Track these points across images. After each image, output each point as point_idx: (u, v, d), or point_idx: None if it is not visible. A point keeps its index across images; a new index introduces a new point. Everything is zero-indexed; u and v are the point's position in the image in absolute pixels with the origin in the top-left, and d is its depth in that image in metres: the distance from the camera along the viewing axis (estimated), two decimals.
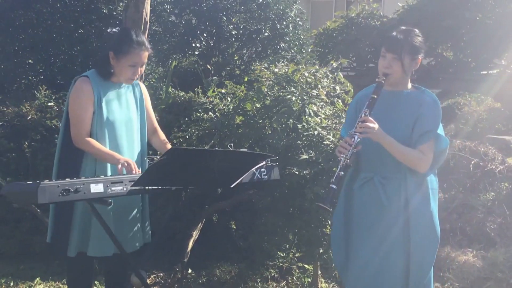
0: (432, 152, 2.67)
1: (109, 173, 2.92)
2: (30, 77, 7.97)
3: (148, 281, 3.71)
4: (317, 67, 4.13)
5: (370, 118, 2.58)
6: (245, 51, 10.02)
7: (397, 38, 2.67)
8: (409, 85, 2.79)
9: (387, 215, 2.67)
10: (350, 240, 2.82)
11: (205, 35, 9.35)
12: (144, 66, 3.04)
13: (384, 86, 2.68)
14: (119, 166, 2.79)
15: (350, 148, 2.56)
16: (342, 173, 2.56)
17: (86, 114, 2.90)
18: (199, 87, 5.96)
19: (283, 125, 3.69)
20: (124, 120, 3.02)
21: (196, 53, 9.41)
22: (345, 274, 2.90)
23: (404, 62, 2.66)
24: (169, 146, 3.28)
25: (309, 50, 9.65)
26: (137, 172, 2.82)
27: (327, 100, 3.92)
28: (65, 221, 2.93)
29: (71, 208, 2.90)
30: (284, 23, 9.44)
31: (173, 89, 6.51)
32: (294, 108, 3.68)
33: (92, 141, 2.89)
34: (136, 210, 3.11)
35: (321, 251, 3.72)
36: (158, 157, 3.06)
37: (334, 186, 2.54)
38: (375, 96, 2.64)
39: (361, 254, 2.73)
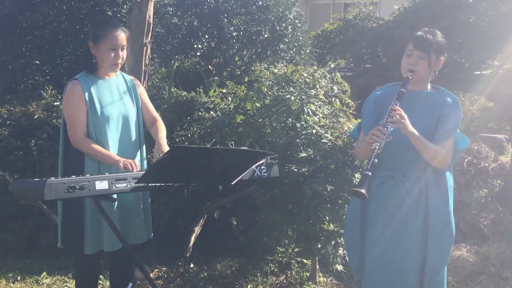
0: (452, 149, 2.68)
1: (113, 170, 2.91)
2: (37, 77, 7.98)
3: (151, 275, 3.72)
4: (315, 67, 4.12)
5: (400, 109, 2.58)
6: (245, 52, 10.03)
7: (426, 37, 2.69)
8: (429, 86, 2.80)
9: (407, 212, 2.65)
10: (366, 236, 2.80)
11: (206, 36, 9.35)
12: (125, 51, 3.01)
13: (409, 82, 2.69)
14: (121, 166, 2.79)
15: (384, 137, 2.55)
16: (377, 160, 2.54)
17: (80, 115, 2.89)
18: (201, 87, 5.96)
19: (282, 124, 3.69)
20: (121, 114, 3.00)
21: (198, 54, 9.41)
22: (360, 272, 2.87)
23: (431, 60, 2.68)
24: (160, 133, 3.12)
25: (308, 51, 9.64)
26: (137, 170, 2.82)
27: (325, 100, 3.92)
28: (77, 221, 2.91)
29: (82, 208, 2.88)
30: (284, 25, 9.43)
31: (175, 89, 6.52)
32: (293, 108, 3.67)
33: (90, 142, 2.88)
34: (141, 204, 3.11)
35: (319, 246, 3.72)
36: (161, 155, 3.06)
37: (369, 173, 2.52)
38: (404, 90, 2.65)
39: (379, 250, 2.70)
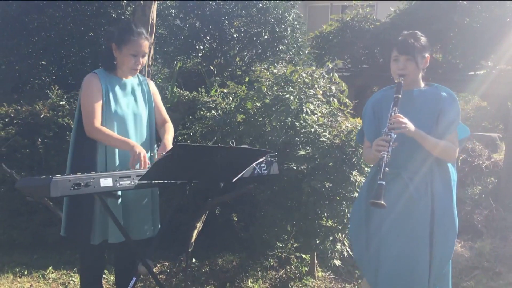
0: (457, 141, 2.71)
1: (117, 163, 2.91)
2: (43, 78, 7.97)
3: (154, 270, 3.72)
4: (314, 68, 4.12)
5: (400, 114, 2.58)
6: (246, 53, 10.02)
7: (408, 41, 2.70)
8: (422, 83, 2.81)
9: (415, 208, 2.65)
10: (371, 233, 2.79)
11: (208, 38, 9.35)
12: (145, 57, 3.03)
13: (402, 86, 2.70)
14: (134, 157, 2.76)
15: (389, 145, 2.55)
16: (387, 169, 2.54)
17: (96, 104, 2.88)
18: (203, 87, 5.96)
19: (282, 123, 3.68)
20: (132, 114, 3.00)
21: (199, 55, 9.42)
22: (363, 264, 2.88)
23: (417, 61, 2.69)
24: (167, 135, 3.16)
25: (306, 52, 9.63)
26: (146, 166, 2.81)
27: (323, 99, 3.92)
28: (86, 211, 2.90)
29: (92, 200, 2.87)
30: (283, 26, 9.42)
31: (178, 89, 6.50)
32: (292, 107, 3.67)
33: (104, 128, 2.87)
34: (147, 200, 3.11)
35: (317, 241, 3.72)
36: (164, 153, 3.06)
37: (383, 182, 2.51)
38: (399, 96, 2.65)
39: (390, 247, 2.69)
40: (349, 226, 3.21)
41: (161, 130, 3.22)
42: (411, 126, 2.58)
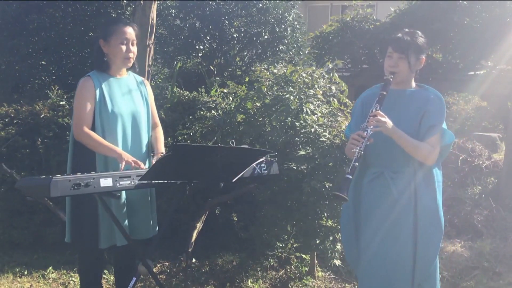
0: (439, 145, 2.66)
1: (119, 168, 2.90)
2: (43, 78, 7.98)
3: (154, 270, 3.72)
4: (314, 68, 4.11)
5: (381, 112, 2.57)
6: (246, 53, 10.03)
7: (403, 39, 2.67)
8: (413, 84, 2.79)
9: (397, 207, 2.64)
10: (360, 233, 2.79)
11: (208, 38, 9.35)
12: (135, 46, 3.00)
13: (391, 84, 2.68)
14: (123, 163, 2.77)
15: (364, 141, 2.53)
16: (357, 164, 2.53)
17: (85, 108, 2.87)
18: (203, 87, 5.96)
19: (282, 123, 3.68)
20: (131, 112, 2.99)
21: (199, 55, 9.42)
22: (357, 267, 2.88)
23: (410, 61, 2.66)
24: (159, 144, 3.20)
25: (307, 52, 9.64)
26: (142, 167, 2.81)
27: (323, 99, 3.92)
28: (91, 216, 2.89)
29: (95, 203, 2.85)
30: (283, 26, 9.43)
31: (178, 88, 6.51)
32: (292, 107, 3.67)
33: (91, 133, 2.85)
34: (149, 199, 3.11)
35: (317, 241, 3.71)
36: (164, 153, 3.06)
37: (350, 176, 2.51)
38: (384, 93, 2.63)
39: (372, 245, 2.69)
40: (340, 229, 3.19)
41: (152, 134, 3.21)
42: (389, 124, 2.55)
